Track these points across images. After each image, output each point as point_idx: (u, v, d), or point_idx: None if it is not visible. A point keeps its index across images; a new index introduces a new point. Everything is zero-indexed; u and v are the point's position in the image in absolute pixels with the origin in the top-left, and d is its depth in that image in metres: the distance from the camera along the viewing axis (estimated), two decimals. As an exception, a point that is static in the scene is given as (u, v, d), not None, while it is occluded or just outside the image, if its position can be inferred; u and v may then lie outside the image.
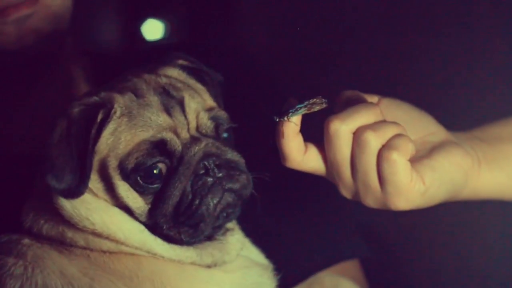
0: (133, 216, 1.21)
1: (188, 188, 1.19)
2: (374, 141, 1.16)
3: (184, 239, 1.20)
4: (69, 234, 1.21)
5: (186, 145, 1.20)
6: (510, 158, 1.27)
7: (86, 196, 1.20)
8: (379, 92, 1.26)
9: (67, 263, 1.19)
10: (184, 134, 1.21)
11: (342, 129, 1.17)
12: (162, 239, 1.22)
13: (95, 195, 1.21)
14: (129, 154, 1.18)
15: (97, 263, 1.20)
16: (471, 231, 1.96)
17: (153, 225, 1.20)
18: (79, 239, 1.21)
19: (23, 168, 1.33)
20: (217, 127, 1.24)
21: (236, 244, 1.28)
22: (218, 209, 1.20)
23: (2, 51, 1.48)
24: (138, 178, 1.19)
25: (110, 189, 1.20)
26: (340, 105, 1.23)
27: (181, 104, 1.22)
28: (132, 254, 1.21)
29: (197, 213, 1.19)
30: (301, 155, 1.20)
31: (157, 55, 1.31)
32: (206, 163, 1.19)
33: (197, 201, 1.19)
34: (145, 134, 1.19)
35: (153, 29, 2.77)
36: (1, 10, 1.45)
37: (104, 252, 1.21)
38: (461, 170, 1.21)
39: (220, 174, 1.20)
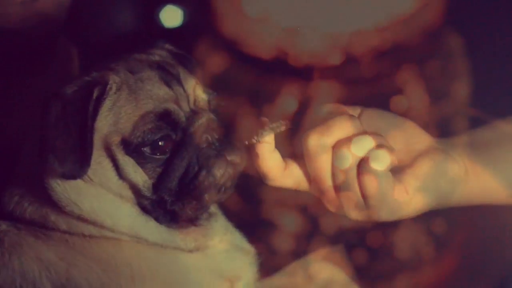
0: (129, 198, 1.22)
1: (194, 160, 1.20)
2: (353, 154, 1.14)
3: (189, 212, 1.21)
4: (52, 217, 1.22)
5: (189, 118, 1.21)
6: (498, 163, 1.23)
7: (78, 182, 1.20)
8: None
9: (44, 248, 1.21)
10: (185, 107, 1.22)
11: (321, 144, 1.15)
12: (160, 221, 1.22)
13: (90, 180, 1.21)
14: (134, 128, 1.19)
15: (75, 248, 1.21)
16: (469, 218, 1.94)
17: (157, 201, 1.21)
18: (62, 223, 1.22)
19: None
20: (209, 102, 1.26)
21: (220, 229, 1.30)
22: (222, 181, 1.21)
23: (3, 31, 1.50)
24: (144, 150, 1.19)
25: (114, 166, 1.21)
26: (320, 119, 1.19)
27: (178, 78, 1.23)
28: (113, 239, 1.22)
29: (203, 184, 1.20)
30: (280, 171, 1.18)
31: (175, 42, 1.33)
32: (208, 136, 1.21)
33: (203, 172, 1.20)
34: (148, 106, 1.19)
35: (171, 16, 2.77)
36: None
37: (84, 236, 1.22)
38: (446, 178, 1.18)
39: (222, 147, 1.21)
